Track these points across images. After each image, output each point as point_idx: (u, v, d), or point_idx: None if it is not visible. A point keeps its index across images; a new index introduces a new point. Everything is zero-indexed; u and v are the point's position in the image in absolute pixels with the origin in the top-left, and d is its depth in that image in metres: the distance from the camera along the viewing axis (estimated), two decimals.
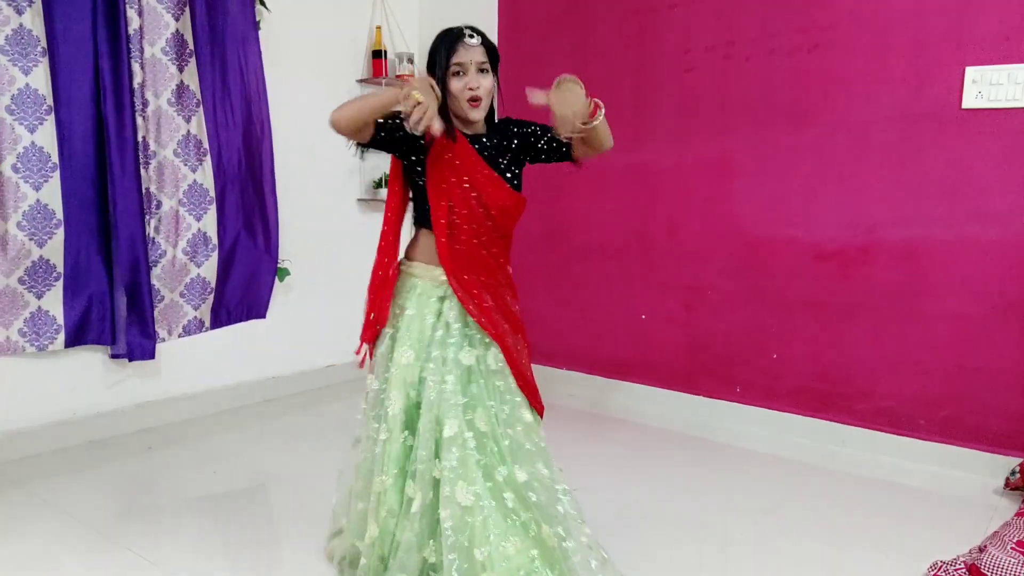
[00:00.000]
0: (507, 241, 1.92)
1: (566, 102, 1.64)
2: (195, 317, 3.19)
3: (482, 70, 1.76)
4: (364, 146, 1.80)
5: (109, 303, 2.90)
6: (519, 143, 1.88)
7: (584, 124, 1.68)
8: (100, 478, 2.62)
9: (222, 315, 3.31)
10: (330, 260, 3.76)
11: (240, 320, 3.37)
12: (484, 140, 1.84)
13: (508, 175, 1.85)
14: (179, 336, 3.16)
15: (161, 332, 3.09)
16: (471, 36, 1.75)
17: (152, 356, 2.98)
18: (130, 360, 2.95)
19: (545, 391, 3.84)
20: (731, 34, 3.12)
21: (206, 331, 3.26)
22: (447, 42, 1.75)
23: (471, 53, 1.74)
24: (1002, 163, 2.60)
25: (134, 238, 2.86)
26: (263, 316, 3.43)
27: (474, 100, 1.76)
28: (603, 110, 1.73)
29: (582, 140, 1.78)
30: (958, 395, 2.74)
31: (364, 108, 1.68)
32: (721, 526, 2.30)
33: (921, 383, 2.81)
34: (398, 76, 3.87)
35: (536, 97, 1.64)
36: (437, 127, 1.61)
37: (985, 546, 1.98)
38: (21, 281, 2.67)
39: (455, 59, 1.73)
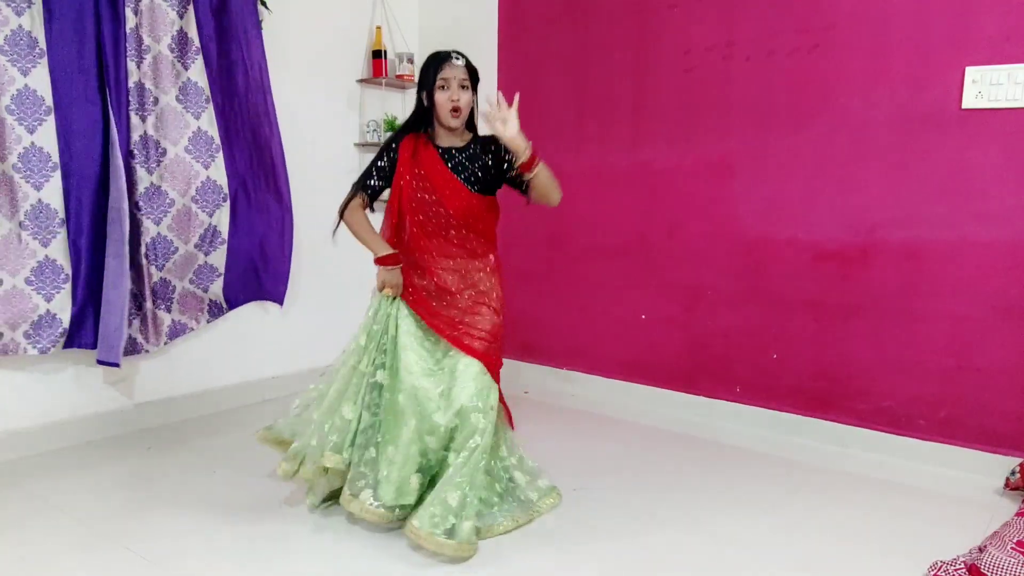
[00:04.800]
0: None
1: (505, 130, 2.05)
2: (212, 300, 3.25)
3: (463, 86, 2.15)
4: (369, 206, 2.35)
5: (94, 307, 2.86)
6: (494, 159, 2.22)
7: (517, 173, 2.13)
8: (99, 478, 2.62)
9: (240, 296, 3.35)
10: (329, 260, 3.76)
11: (257, 299, 3.42)
12: (455, 151, 2.21)
13: (474, 180, 2.21)
14: (207, 321, 3.23)
15: (190, 323, 3.14)
16: (456, 58, 2.16)
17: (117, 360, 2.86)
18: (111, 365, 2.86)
19: (545, 391, 3.85)
20: (731, 34, 3.12)
21: (225, 312, 3.31)
22: (436, 62, 2.15)
23: (455, 71, 2.13)
24: (1002, 163, 2.60)
25: (117, 240, 2.81)
26: (281, 302, 3.47)
27: (455, 111, 2.14)
28: (540, 164, 2.11)
29: (532, 186, 2.16)
30: (958, 395, 2.74)
31: (358, 236, 2.27)
32: (721, 526, 2.30)
33: (921, 383, 2.81)
34: (398, 76, 3.87)
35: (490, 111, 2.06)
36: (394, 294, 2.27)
37: (985, 546, 1.98)
38: (28, 282, 2.67)
39: (441, 75, 2.13)
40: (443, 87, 2.13)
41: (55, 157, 2.69)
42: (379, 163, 2.25)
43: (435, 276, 2.25)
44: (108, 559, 2.05)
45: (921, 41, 2.70)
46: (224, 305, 3.30)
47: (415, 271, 2.27)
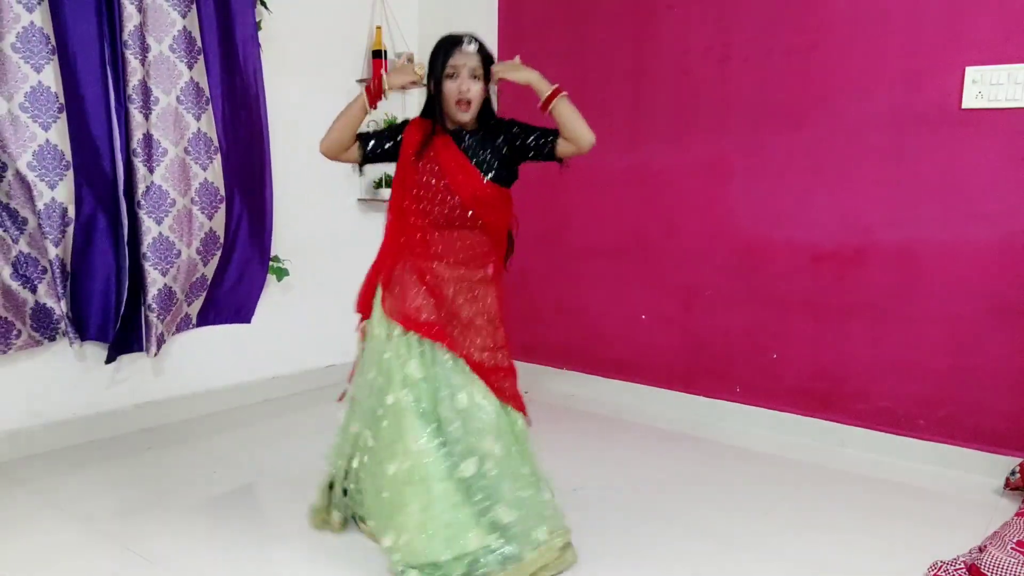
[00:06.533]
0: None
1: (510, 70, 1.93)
2: (186, 314, 3.20)
3: (475, 76, 1.91)
4: (361, 164, 2.10)
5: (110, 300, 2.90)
6: (506, 141, 1.99)
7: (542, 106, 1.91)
8: (100, 478, 2.61)
9: (210, 314, 3.30)
10: (330, 260, 3.76)
11: (226, 322, 3.35)
12: (466, 134, 1.98)
13: (486, 167, 1.97)
14: (173, 333, 3.17)
15: (166, 334, 3.10)
16: (469, 43, 1.91)
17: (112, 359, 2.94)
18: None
19: (544, 391, 3.84)
20: (728, 35, 3.12)
21: (192, 328, 3.26)
22: (445, 46, 1.92)
23: (466, 58, 1.89)
24: (1002, 164, 2.60)
25: (105, 250, 2.84)
26: (249, 321, 3.41)
27: (461, 103, 1.91)
28: (564, 95, 1.89)
29: (559, 126, 1.92)
30: (957, 395, 2.74)
31: (341, 127, 1.99)
32: (721, 526, 2.30)
33: (920, 383, 2.81)
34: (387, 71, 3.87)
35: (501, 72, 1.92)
36: (419, 72, 1.96)
37: (985, 546, 1.98)
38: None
39: (451, 62, 1.89)
40: (452, 75, 1.90)
41: (68, 156, 2.69)
42: (383, 131, 2.07)
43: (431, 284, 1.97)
44: (108, 559, 2.05)
45: (920, 41, 2.71)
46: (193, 321, 3.26)
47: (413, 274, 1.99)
